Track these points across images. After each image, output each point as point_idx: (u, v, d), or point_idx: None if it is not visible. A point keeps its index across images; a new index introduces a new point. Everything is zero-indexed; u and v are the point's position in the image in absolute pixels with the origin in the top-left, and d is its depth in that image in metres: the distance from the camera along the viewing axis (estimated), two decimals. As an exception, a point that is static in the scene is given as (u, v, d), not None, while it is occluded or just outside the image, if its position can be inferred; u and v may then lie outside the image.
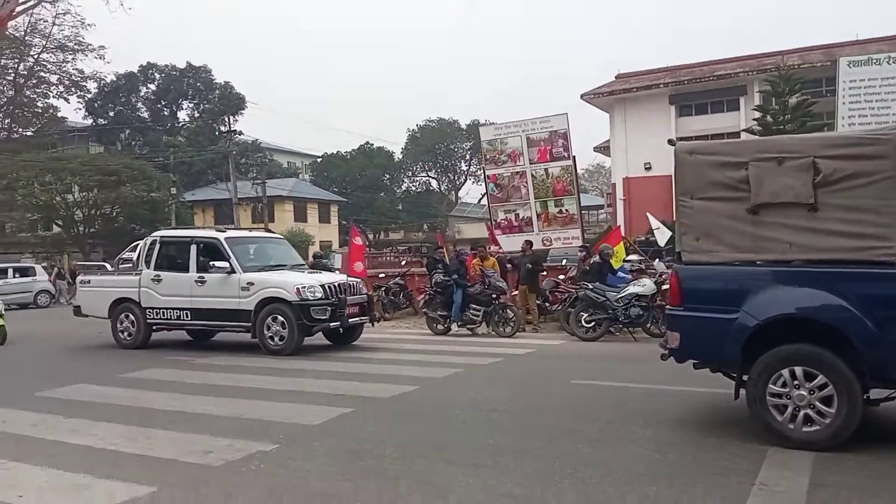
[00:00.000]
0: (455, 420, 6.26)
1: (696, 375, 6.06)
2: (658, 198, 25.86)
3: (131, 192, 34.76)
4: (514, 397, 7.21)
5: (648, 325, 11.99)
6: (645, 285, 11.87)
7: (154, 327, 11.90)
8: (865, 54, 19.09)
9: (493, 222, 18.17)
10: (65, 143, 47.35)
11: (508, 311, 12.99)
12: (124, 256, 12.82)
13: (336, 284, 11.09)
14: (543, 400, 7.06)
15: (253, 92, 62.38)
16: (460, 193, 66.46)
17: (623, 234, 22.84)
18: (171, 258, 11.82)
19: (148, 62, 52.85)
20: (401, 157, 63.89)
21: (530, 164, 17.42)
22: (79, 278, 13.63)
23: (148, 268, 11.84)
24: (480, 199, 52.57)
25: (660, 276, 12.45)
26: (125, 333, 11.97)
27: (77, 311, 13.04)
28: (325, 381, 8.28)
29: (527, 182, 17.46)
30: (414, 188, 66.38)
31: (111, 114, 51.62)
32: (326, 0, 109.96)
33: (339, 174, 59.93)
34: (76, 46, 41.30)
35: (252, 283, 10.84)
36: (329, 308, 10.67)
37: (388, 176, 63.49)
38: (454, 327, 13.38)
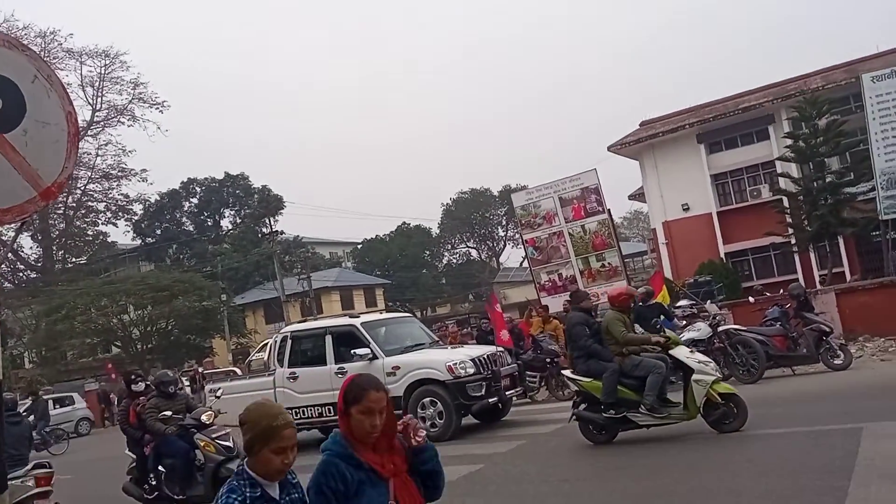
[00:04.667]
0: (527, 496, 6.16)
1: (762, 418, 5.88)
2: (699, 238, 25.63)
3: (184, 304, 35.72)
4: (582, 464, 7.07)
5: (710, 369, 11.65)
6: (700, 329, 11.60)
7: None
8: (888, 66, 18.95)
9: (538, 285, 18.16)
10: (116, 266, 49.25)
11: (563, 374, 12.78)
12: (253, 358, 12.53)
13: (486, 356, 10.36)
14: (612, 462, 6.90)
15: (289, 191, 64.71)
16: (501, 259, 66.62)
17: (671, 278, 22.64)
18: (306, 352, 11.23)
19: (188, 178, 55.14)
20: (438, 231, 64.69)
21: (566, 222, 17.54)
22: (208, 387, 13.15)
23: (282, 366, 11.24)
24: (522, 262, 52.61)
25: (713, 318, 12.19)
26: None
27: None
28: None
29: (565, 241, 17.54)
30: (455, 260, 66.79)
31: (158, 232, 53.61)
32: (340, 102, 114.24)
33: (380, 257, 60.74)
34: (119, 173, 43.62)
35: (398, 367, 10.12)
36: (484, 383, 9.89)
37: (427, 252, 64.11)
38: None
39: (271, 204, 53.03)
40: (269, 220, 48.61)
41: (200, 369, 27.20)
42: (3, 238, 31.78)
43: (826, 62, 27.44)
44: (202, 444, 7.56)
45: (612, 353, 7.65)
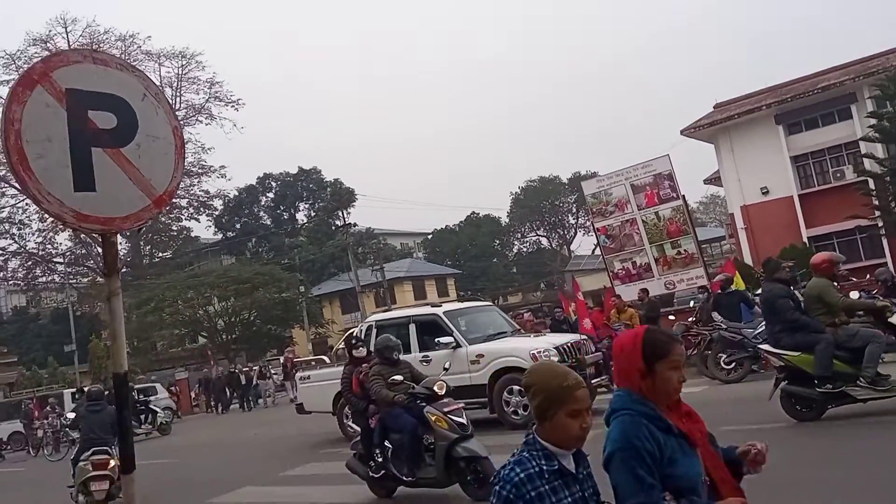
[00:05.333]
0: (600, 485, 6.20)
1: (852, 409, 5.75)
2: (780, 222, 24.73)
3: (264, 295, 37.05)
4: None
5: (794, 357, 11.34)
6: (782, 317, 11.32)
7: None
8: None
9: (611, 273, 17.99)
10: (199, 260, 51.39)
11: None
12: (340, 346, 12.80)
13: (570, 344, 10.39)
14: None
15: (360, 183, 65.61)
16: (572, 247, 65.99)
17: (751, 264, 21.98)
18: None
19: (264, 173, 56.94)
20: (507, 220, 64.56)
21: (639, 210, 17.29)
22: (298, 375, 13.58)
23: None
24: (594, 249, 51.98)
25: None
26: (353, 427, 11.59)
27: (300, 408, 12.67)
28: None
29: (638, 228, 17.29)
30: (525, 249, 66.58)
31: (237, 226, 55.56)
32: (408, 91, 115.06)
33: (451, 247, 61.16)
34: (200, 170, 45.38)
35: (482, 355, 10.21)
36: None
37: (497, 241, 64.13)
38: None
39: (343, 197, 54.11)
40: (342, 213, 49.67)
41: (291, 357, 28.20)
42: (95, 235, 33.55)
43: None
44: (433, 418, 6.45)
45: (823, 323, 7.11)
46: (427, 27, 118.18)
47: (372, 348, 7.50)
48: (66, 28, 31.86)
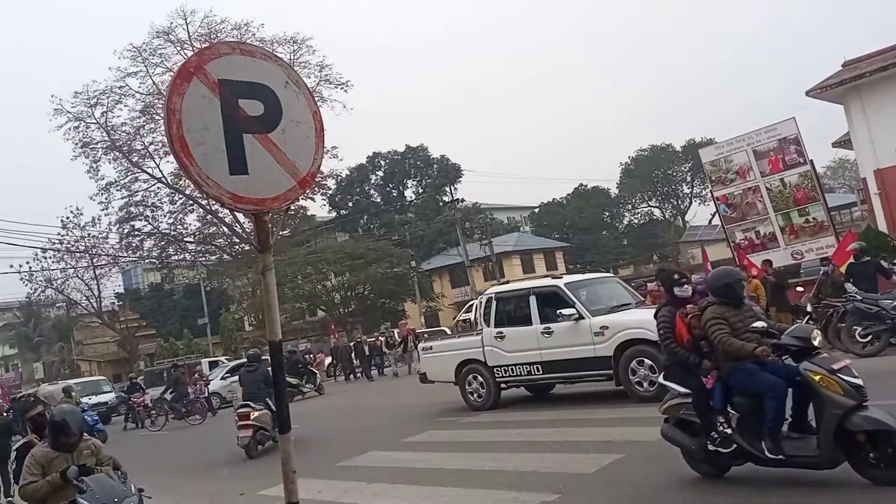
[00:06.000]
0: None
1: None
2: (922, 185, 22.74)
3: (377, 270, 38.19)
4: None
5: (937, 330, 10.54)
6: (926, 288, 10.53)
7: (503, 385, 11.47)
8: None
9: (732, 244, 17.27)
10: (316, 237, 53.50)
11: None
12: (461, 318, 12.98)
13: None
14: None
15: (466, 159, 65.92)
16: (687, 217, 63.61)
17: (887, 231, 20.43)
18: (511, 313, 11.27)
19: (374, 152, 58.27)
20: (617, 192, 63.03)
21: (762, 176, 16.48)
22: (421, 345, 13.89)
23: (489, 326, 11.37)
24: (711, 219, 49.90)
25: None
26: (475, 395, 11.58)
27: (423, 377, 12.84)
28: (590, 429, 8.45)
29: (762, 196, 16.51)
30: (636, 220, 64.88)
31: (350, 204, 57.33)
32: (500, 59, 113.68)
33: (558, 221, 60.55)
34: (313, 151, 46.98)
35: (606, 327, 9.97)
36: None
37: (607, 213, 62.84)
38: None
39: (450, 173, 54.60)
40: (450, 188, 50.14)
41: (413, 328, 28.65)
42: (220, 215, 35.59)
43: None
44: (816, 378, 4.85)
45: None
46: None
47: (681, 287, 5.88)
48: (185, 19, 33.58)
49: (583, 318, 10.19)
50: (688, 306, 5.77)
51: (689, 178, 60.73)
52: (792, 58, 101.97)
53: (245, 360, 13.82)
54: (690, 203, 63.10)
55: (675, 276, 6.11)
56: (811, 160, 16.19)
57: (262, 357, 11.40)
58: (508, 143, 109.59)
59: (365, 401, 15.92)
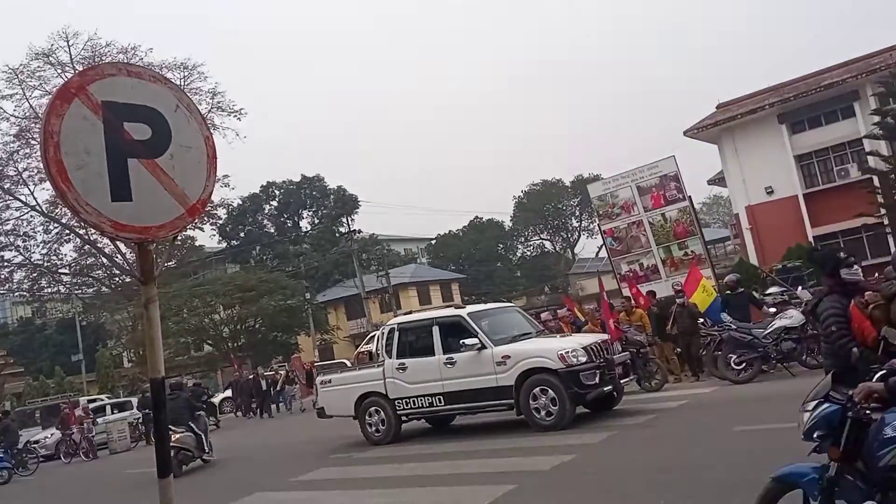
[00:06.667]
0: (621, 485, 6.26)
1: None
2: (785, 221, 24.74)
3: (269, 303, 37.11)
4: (676, 454, 7.10)
5: (804, 357, 11.39)
6: (792, 317, 11.37)
7: (404, 418, 11.33)
8: None
9: (619, 275, 18.01)
10: (204, 269, 51.42)
11: (651, 364, 12.68)
12: (363, 349, 12.69)
13: (598, 345, 10.31)
14: (707, 453, 6.91)
15: (363, 190, 65.76)
16: (576, 250, 66.05)
17: (757, 264, 22.01)
18: (413, 343, 11.22)
19: (268, 181, 57.06)
20: (511, 224, 64.67)
21: (645, 211, 17.32)
22: (318, 379, 13.33)
23: (391, 357, 11.26)
24: (598, 251, 51.98)
25: (805, 304, 11.86)
26: (375, 429, 11.38)
27: (321, 412, 12.44)
28: (487, 461, 8.45)
29: (645, 230, 17.33)
30: (529, 253, 66.68)
31: (242, 234, 55.71)
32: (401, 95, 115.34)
33: (454, 252, 61.29)
34: (204, 179, 45.42)
35: (508, 356, 10.04)
36: (598, 371, 9.79)
37: (501, 246, 64.27)
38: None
39: (347, 204, 54.26)
40: (347, 220, 49.79)
41: (301, 362, 27.65)
42: (99, 245, 33.58)
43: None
44: None
45: None
46: (439, 29, 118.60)
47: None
48: (68, 41, 31.85)
49: (485, 347, 10.25)
50: (866, 294, 4.51)
51: (577, 212, 63.16)
52: (677, 98, 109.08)
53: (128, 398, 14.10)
54: (579, 236, 65.65)
55: (841, 255, 4.82)
56: (689, 196, 17.19)
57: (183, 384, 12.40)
58: (407, 175, 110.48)
59: (260, 437, 15.32)
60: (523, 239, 66.67)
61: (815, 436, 3.41)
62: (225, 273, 47.87)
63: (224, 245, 55.45)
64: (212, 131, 3.33)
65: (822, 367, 6.12)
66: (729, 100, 28.32)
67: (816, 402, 3.46)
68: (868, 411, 3.22)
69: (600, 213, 18.54)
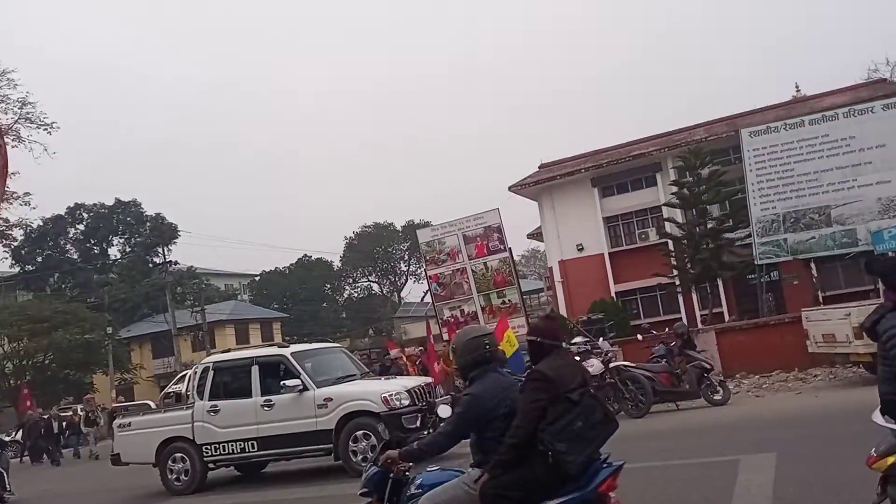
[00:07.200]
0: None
1: (649, 451, 6.20)
2: (593, 277, 26.75)
3: (64, 336, 33.56)
4: None
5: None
6: (593, 366, 12.07)
7: (211, 465, 10.60)
8: (764, 122, 20.56)
9: (441, 320, 18.35)
10: (-10, 295, 45.75)
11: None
12: (171, 390, 11.58)
13: (421, 387, 10.18)
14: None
15: (185, 220, 62.40)
16: (402, 294, 66.72)
17: (566, 315, 23.43)
18: (229, 384, 10.59)
19: (75, 203, 52.30)
20: (339, 265, 64.14)
21: (469, 259, 17.90)
22: (116, 422, 11.99)
23: (202, 399, 10.53)
24: (423, 297, 52.89)
25: (605, 354, 12.73)
26: (177, 478, 10.48)
27: (116, 459, 11.26)
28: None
29: (468, 278, 17.87)
30: (356, 294, 66.32)
31: (39, 259, 50.45)
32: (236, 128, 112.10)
33: (279, 290, 59.48)
34: (-2, 196, 40.72)
35: (330, 399, 9.71)
36: (419, 415, 9.63)
37: (328, 286, 63.39)
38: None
39: (165, 233, 50.99)
40: (163, 250, 46.68)
41: (113, 404, 24.92)
42: None
43: (709, 115, 29.48)
44: None
45: None
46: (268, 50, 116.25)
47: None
48: None
49: (307, 389, 9.88)
50: None
51: (406, 257, 64.05)
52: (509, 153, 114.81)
53: None
54: (406, 280, 66.44)
55: None
56: (510, 248, 18.05)
57: None
58: (232, 208, 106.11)
59: (45, 486, 13.50)
60: (351, 280, 66.26)
61: None
62: (15, 301, 42.84)
63: (17, 270, 49.81)
64: (16, 145, 2.90)
65: (616, 414, 6.52)
66: (550, 161, 30.39)
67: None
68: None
69: (428, 258, 18.90)
